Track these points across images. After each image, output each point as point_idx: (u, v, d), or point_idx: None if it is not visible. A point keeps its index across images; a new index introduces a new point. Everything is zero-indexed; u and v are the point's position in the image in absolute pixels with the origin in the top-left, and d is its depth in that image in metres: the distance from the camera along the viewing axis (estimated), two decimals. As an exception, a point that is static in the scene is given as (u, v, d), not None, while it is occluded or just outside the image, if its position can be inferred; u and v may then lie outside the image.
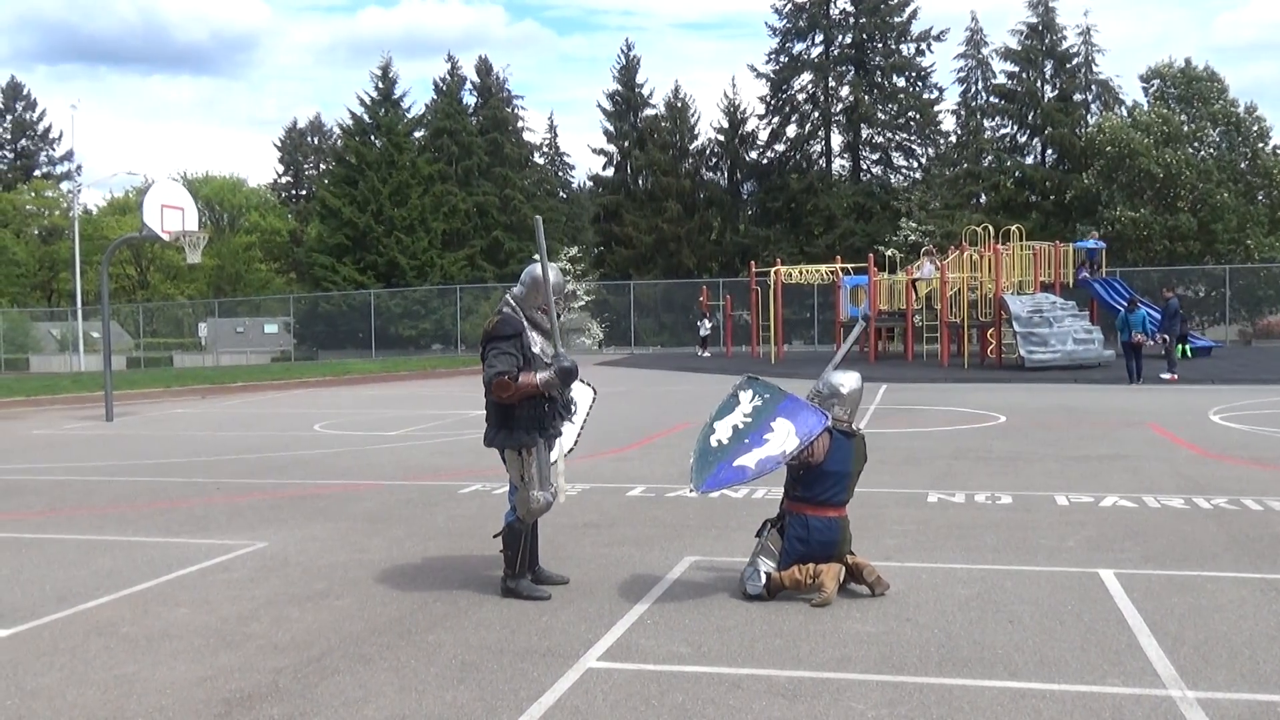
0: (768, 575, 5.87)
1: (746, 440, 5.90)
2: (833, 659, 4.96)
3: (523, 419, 5.96)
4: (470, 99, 58.42)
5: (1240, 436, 13.11)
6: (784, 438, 5.85)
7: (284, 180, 78.15)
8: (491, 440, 6.11)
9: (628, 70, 56.53)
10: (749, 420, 5.99)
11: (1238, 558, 6.80)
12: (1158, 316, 24.75)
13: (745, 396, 6.11)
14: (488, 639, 5.35)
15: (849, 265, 33.87)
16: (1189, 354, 24.30)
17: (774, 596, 5.87)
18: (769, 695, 4.51)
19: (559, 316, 6.12)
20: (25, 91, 70.52)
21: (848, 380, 6.21)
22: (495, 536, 6.29)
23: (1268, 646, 5.05)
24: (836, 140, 54.11)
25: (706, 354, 36.66)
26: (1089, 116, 49.50)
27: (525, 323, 5.99)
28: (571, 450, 6.57)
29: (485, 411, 6.15)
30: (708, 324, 37.67)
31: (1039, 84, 50.37)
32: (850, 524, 6.12)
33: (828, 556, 5.92)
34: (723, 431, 6.00)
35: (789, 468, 6.02)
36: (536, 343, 6.01)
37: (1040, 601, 5.84)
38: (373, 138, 52.49)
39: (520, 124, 59.56)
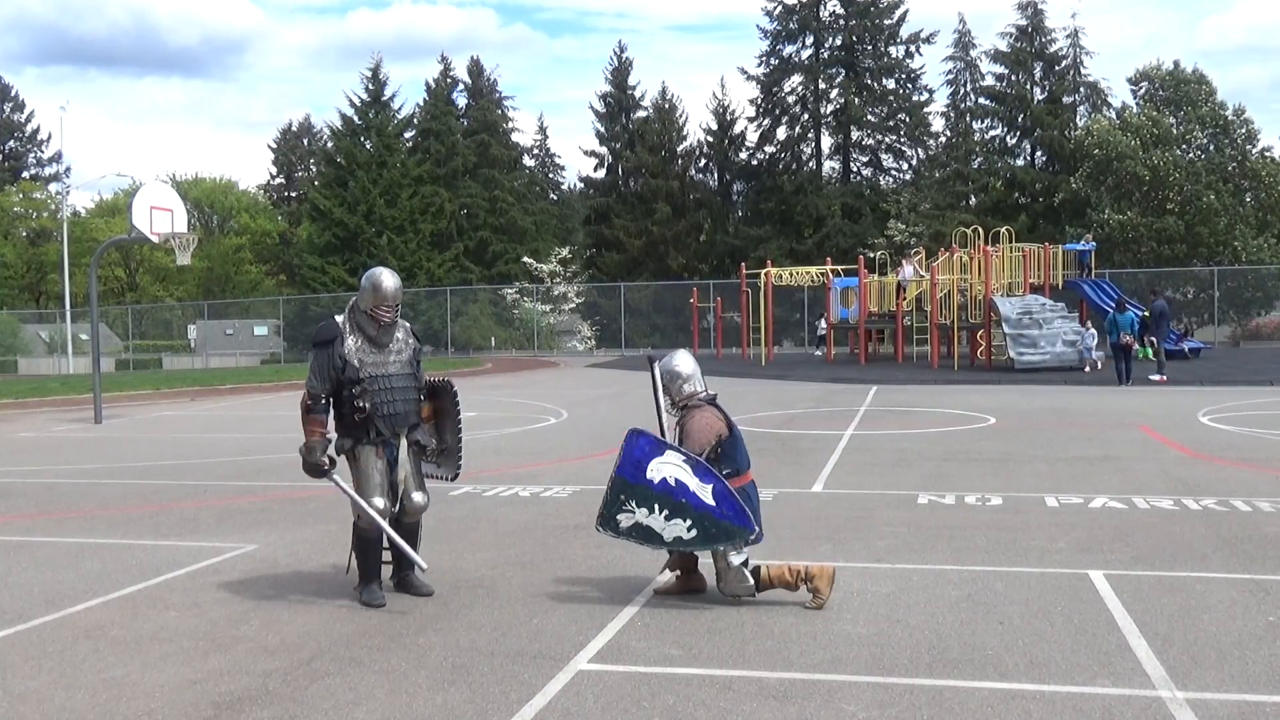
0: (756, 569, 5.83)
1: (683, 500, 5.78)
2: (823, 660, 4.96)
3: (349, 424, 5.99)
4: (462, 100, 58.38)
5: (1229, 438, 13.16)
6: (678, 468, 5.81)
7: (276, 182, 77.97)
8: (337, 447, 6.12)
9: (619, 72, 56.54)
10: (671, 493, 5.82)
11: (1227, 559, 6.82)
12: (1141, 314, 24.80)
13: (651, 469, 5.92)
14: (478, 641, 5.34)
15: (839, 267, 33.90)
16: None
17: (761, 591, 5.85)
18: (760, 697, 4.51)
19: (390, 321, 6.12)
20: (13, 93, 70.26)
21: (680, 362, 6.22)
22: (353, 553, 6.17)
23: (1256, 647, 5.07)
24: (826, 142, 54.21)
25: (818, 353, 35.61)
26: (1078, 119, 49.65)
27: (349, 326, 6.02)
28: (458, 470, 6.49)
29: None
30: (823, 324, 35.19)
31: (1028, 86, 50.51)
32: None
33: (759, 523, 5.88)
34: (651, 515, 5.87)
35: (711, 455, 5.96)
36: (354, 351, 5.98)
37: (1030, 603, 5.85)
38: (363, 139, 52.41)
39: (510, 125, 59.52)
